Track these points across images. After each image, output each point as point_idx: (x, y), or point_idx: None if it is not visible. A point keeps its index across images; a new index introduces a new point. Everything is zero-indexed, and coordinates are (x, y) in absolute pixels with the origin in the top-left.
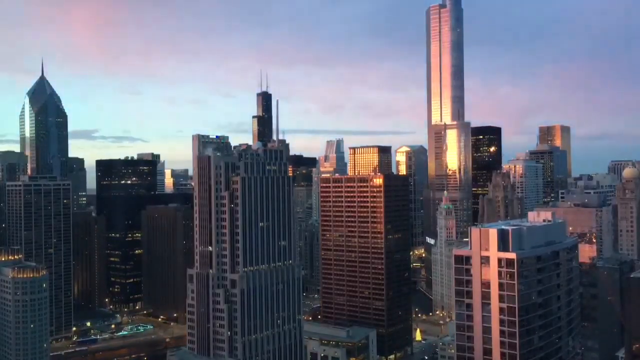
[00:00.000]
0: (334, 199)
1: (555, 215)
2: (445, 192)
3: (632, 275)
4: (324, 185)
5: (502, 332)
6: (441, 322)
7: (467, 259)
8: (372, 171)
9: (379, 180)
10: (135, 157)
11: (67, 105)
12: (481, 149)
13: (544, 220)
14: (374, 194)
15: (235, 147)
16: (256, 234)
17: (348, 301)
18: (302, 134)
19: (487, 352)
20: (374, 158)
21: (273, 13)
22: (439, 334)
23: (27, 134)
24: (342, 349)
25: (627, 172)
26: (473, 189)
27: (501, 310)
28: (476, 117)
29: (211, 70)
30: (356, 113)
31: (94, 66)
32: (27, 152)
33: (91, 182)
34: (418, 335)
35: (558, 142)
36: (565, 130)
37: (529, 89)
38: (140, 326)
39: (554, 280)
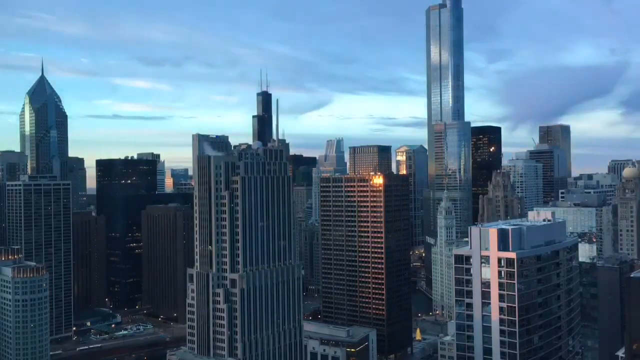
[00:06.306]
0: (334, 199)
1: (555, 215)
2: (445, 192)
3: (632, 275)
4: (324, 185)
5: (502, 332)
6: (441, 321)
7: (467, 259)
8: (372, 171)
9: (379, 180)
10: (135, 156)
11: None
12: (481, 149)
13: (544, 220)
14: (374, 194)
15: (235, 146)
16: (256, 234)
17: (348, 301)
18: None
19: (487, 352)
20: (374, 158)
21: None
22: (439, 334)
23: (27, 134)
24: (342, 349)
25: (627, 171)
26: (473, 189)
27: (501, 309)
28: (476, 117)
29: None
30: (356, 112)
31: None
32: (27, 152)
33: (91, 182)
34: (418, 335)
35: (558, 142)
36: (565, 130)
37: (529, 88)
38: (140, 326)
39: (554, 280)
